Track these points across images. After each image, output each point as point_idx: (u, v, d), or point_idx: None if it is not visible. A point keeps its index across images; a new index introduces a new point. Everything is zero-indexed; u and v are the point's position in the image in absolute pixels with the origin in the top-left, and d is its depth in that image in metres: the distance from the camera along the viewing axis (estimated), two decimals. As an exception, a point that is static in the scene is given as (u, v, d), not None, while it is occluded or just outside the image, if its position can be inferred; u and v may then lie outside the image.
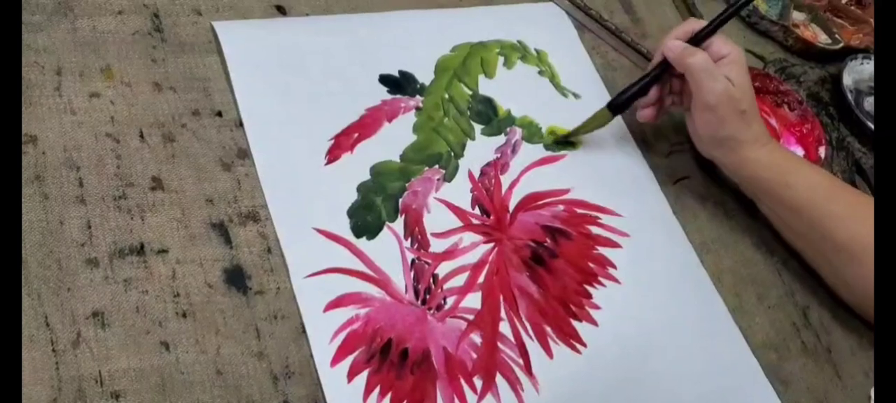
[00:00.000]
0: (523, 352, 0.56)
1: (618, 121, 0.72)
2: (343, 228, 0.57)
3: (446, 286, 0.57)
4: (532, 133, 0.68)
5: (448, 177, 0.63)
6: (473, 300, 0.57)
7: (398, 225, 0.59)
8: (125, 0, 0.62)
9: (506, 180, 0.64)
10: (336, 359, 0.51)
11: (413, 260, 0.57)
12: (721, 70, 0.64)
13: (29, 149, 0.53)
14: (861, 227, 0.63)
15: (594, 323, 0.59)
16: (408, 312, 0.55)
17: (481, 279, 0.58)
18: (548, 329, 0.57)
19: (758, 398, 0.61)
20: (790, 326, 0.66)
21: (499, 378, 0.54)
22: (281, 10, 0.67)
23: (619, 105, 0.67)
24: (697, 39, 0.65)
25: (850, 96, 0.84)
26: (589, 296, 0.60)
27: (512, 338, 0.56)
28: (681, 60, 0.64)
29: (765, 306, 0.66)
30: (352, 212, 0.58)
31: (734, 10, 0.67)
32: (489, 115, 0.68)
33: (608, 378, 0.57)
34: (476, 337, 0.55)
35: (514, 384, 0.54)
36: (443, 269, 0.58)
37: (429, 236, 0.59)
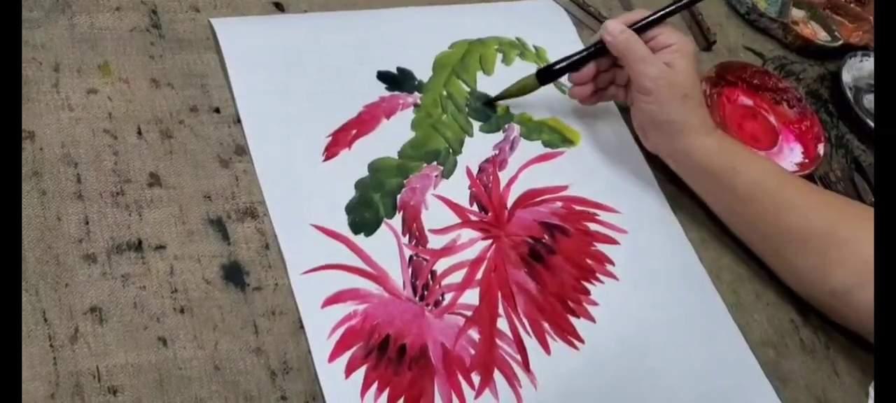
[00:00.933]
0: (521, 349, 0.56)
1: (617, 117, 0.72)
2: (341, 225, 0.57)
3: (444, 282, 0.57)
4: (530, 130, 0.68)
5: (446, 174, 0.63)
6: (471, 296, 0.57)
7: (396, 221, 0.59)
8: (123, -4, 0.62)
9: (504, 177, 0.64)
10: (334, 355, 0.51)
11: (411, 257, 0.57)
12: (662, 57, 0.63)
13: (27, 145, 0.53)
14: (814, 215, 0.62)
15: (592, 319, 0.59)
16: (406, 308, 0.55)
17: (479, 275, 0.58)
18: (546, 325, 0.57)
19: (756, 395, 0.61)
20: (788, 323, 0.66)
21: (497, 375, 0.54)
22: (279, 7, 0.67)
23: (546, 74, 0.67)
24: (642, 27, 0.64)
25: (849, 93, 0.84)
26: (587, 293, 0.60)
27: (510, 335, 0.56)
28: (615, 43, 0.64)
29: (763, 303, 0.66)
30: (350, 209, 0.58)
31: (684, 6, 0.66)
32: (487, 112, 0.68)
33: (606, 375, 0.57)
34: (474, 334, 0.55)
35: (512, 380, 0.54)
36: (441, 266, 0.58)
37: (427, 232, 0.59)
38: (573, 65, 0.67)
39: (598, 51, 0.66)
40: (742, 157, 0.65)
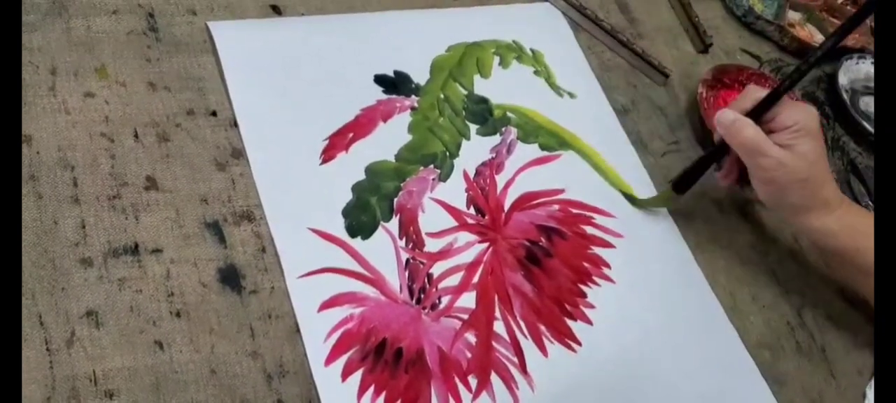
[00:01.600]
0: (518, 351, 0.56)
1: (614, 120, 0.72)
2: (338, 228, 0.57)
3: (441, 285, 0.57)
4: (527, 133, 0.68)
5: (443, 177, 0.63)
6: (468, 299, 0.57)
7: (393, 224, 0.59)
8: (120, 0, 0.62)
9: (501, 180, 0.64)
10: (330, 359, 0.51)
11: (408, 260, 0.57)
12: (781, 138, 0.61)
13: (23, 148, 0.53)
14: None
15: (589, 322, 0.59)
16: (402, 312, 0.55)
17: (476, 278, 0.58)
18: (542, 328, 0.58)
19: (753, 397, 0.61)
20: (784, 326, 0.66)
21: (494, 378, 0.54)
22: (276, 11, 0.67)
23: (682, 184, 0.65)
24: (759, 112, 0.61)
25: (845, 96, 0.84)
26: (584, 295, 0.60)
27: (507, 337, 0.56)
28: (727, 135, 0.62)
29: (759, 305, 0.66)
30: (347, 212, 0.58)
31: (792, 82, 0.62)
32: (484, 115, 0.68)
33: (603, 377, 0.57)
34: (471, 337, 0.55)
35: (509, 382, 0.54)
36: (437, 269, 0.58)
37: (423, 236, 0.59)
38: (700, 167, 0.65)
39: (721, 148, 0.63)
40: (864, 235, 0.62)
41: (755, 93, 0.63)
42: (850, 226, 0.62)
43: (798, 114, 0.61)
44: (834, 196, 0.63)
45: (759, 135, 0.61)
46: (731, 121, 0.61)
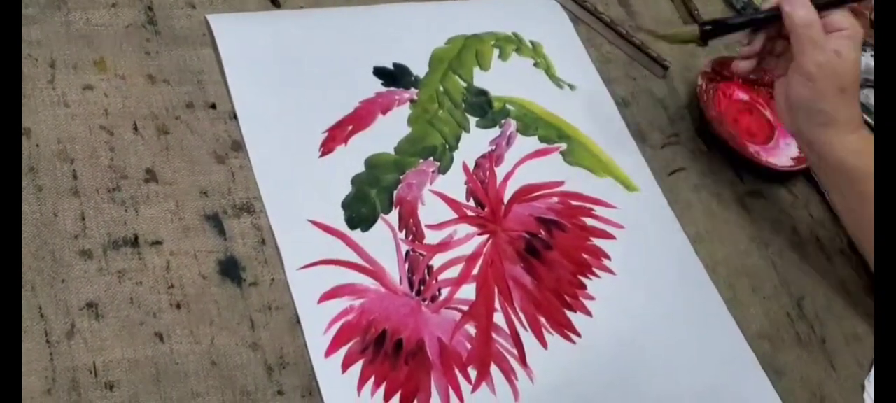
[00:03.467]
0: (518, 343, 0.56)
1: (614, 112, 0.72)
2: (337, 220, 0.57)
3: (441, 277, 0.57)
4: (527, 125, 0.68)
5: (443, 170, 0.63)
6: (468, 291, 0.57)
7: (393, 217, 0.59)
8: (119, -7, 0.62)
9: (500, 172, 0.64)
10: (330, 350, 0.52)
11: (408, 252, 0.57)
12: (831, 42, 0.60)
13: (23, 141, 0.53)
14: None
15: (588, 313, 0.59)
16: (402, 303, 0.55)
17: (476, 270, 0.58)
18: (542, 319, 0.58)
19: (752, 387, 0.61)
20: (784, 317, 0.66)
21: (493, 369, 0.54)
22: (275, 3, 0.67)
23: (711, 31, 0.62)
24: (823, 5, 0.60)
25: (845, 88, 0.84)
26: (583, 287, 0.60)
27: (506, 329, 0.56)
28: (793, 17, 0.59)
29: (759, 297, 0.66)
30: (346, 204, 0.58)
31: None
32: (484, 107, 0.68)
33: (603, 368, 0.57)
34: (470, 328, 0.55)
35: (509, 374, 0.54)
36: (437, 261, 0.58)
37: (423, 228, 0.59)
38: (741, 25, 0.62)
39: (770, 17, 0.62)
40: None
41: None
42: (869, 151, 0.61)
43: (848, 21, 0.60)
44: (859, 118, 0.62)
45: (819, 26, 0.59)
46: (801, 3, 0.59)
